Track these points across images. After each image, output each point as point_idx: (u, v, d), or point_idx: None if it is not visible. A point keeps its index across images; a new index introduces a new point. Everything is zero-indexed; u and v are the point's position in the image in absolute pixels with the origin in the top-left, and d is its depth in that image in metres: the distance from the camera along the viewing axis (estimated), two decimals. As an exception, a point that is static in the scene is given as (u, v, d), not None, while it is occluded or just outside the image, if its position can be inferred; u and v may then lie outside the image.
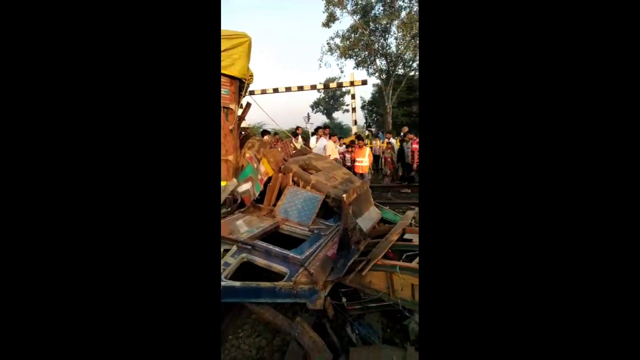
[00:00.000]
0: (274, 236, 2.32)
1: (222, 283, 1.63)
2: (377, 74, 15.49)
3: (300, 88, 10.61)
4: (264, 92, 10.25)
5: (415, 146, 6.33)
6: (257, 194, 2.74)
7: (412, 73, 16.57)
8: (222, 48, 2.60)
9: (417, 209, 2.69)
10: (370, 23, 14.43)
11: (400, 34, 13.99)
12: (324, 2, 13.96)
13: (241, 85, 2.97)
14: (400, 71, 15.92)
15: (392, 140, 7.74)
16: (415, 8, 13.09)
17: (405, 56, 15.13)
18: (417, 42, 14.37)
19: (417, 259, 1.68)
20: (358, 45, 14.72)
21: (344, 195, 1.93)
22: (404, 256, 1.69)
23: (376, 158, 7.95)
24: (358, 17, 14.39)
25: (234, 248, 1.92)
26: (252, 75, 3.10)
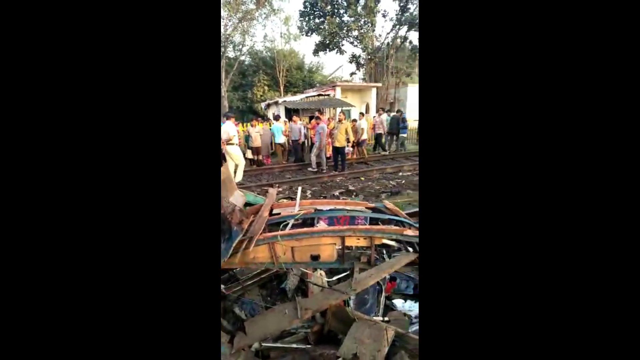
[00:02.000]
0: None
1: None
2: (206, 53, 14.29)
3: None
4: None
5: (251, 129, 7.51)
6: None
7: (242, 57, 16.53)
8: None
9: (277, 186, 2.95)
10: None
11: (225, 13, 13.47)
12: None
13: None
14: (231, 54, 15.53)
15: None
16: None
17: (235, 39, 14.85)
18: (245, 25, 14.43)
19: (289, 225, 1.94)
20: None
21: (211, 182, 1.86)
22: (281, 226, 1.91)
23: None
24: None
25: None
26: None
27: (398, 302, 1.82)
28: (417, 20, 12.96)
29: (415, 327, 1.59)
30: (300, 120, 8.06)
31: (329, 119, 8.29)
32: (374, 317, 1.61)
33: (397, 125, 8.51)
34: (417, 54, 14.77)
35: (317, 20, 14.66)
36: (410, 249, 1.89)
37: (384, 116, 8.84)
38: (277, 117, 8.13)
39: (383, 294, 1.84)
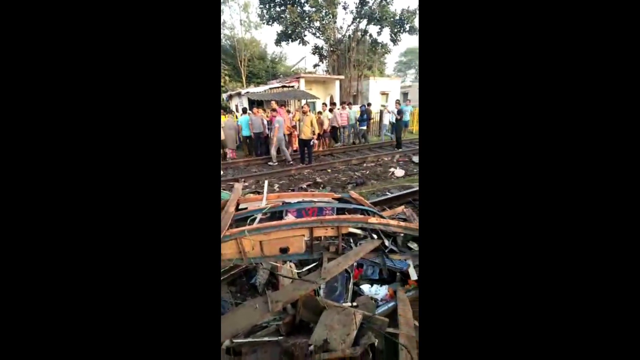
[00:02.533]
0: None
1: None
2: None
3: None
4: None
5: None
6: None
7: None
8: None
9: (242, 181, 2.88)
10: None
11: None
12: None
13: None
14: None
15: None
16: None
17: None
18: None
19: (257, 220, 1.92)
20: None
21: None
22: (248, 221, 1.88)
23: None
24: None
25: None
26: None
27: (365, 287, 1.92)
28: (376, 14, 13.25)
29: (381, 309, 1.69)
30: (264, 111, 7.87)
31: (287, 111, 8.21)
32: (343, 304, 1.67)
33: (362, 118, 8.73)
34: (377, 48, 15.15)
35: (278, 9, 14.23)
36: (375, 236, 1.99)
37: (337, 110, 8.96)
38: (245, 110, 7.85)
39: (351, 280, 1.91)
